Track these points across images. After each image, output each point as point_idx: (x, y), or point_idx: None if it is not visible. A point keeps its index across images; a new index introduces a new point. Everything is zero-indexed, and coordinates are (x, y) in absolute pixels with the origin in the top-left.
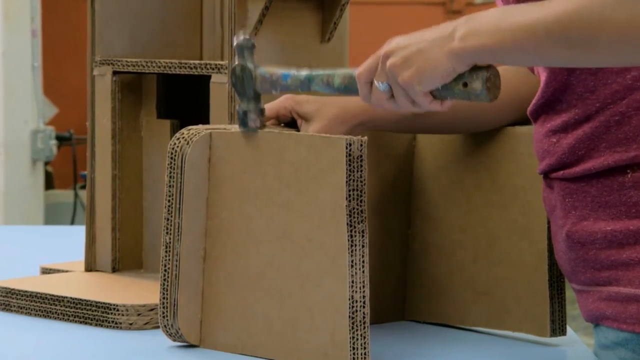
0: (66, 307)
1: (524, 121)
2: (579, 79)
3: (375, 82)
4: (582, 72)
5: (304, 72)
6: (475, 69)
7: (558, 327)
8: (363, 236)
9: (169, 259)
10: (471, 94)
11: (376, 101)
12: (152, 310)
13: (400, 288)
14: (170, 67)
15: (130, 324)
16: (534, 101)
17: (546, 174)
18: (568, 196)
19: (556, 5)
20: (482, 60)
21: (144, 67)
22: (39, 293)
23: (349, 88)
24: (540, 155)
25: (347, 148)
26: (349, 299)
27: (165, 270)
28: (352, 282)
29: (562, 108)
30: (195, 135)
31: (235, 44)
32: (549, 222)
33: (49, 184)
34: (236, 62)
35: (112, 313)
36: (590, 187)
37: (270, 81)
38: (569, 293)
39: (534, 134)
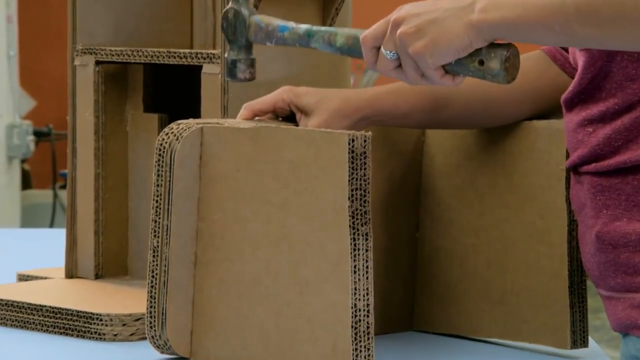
0: (45, 317)
1: (542, 115)
2: (620, 66)
3: (383, 49)
4: (623, 59)
5: (303, 26)
6: (494, 46)
7: (579, 339)
8: (367, 240)
9: (157, 265)
10: (487, 73)
11: (381, 69)
12: (138, 320)
13: (408, 296)
14: (158, 57)
15: (115, 335)
16: (569, 88)
17: (576, 168)
18: (599, 194)
19: None
20: (503, 36)
21: (129, 56)
22: (16, 302)
23: (352, 49)
24: (572, 146)
25: (349, 144)
26: (352, 308)
27: (152, 277)
28: (355, 289)
29: (600, 96)
30: (185, 130)
31: None
32: (569, 225)
33: (26, 183)
34: (229, 6)
35: (95, 323)
36: (624, 185)
37: (265, 31)
38: (591, 301)
39: (565, 124)
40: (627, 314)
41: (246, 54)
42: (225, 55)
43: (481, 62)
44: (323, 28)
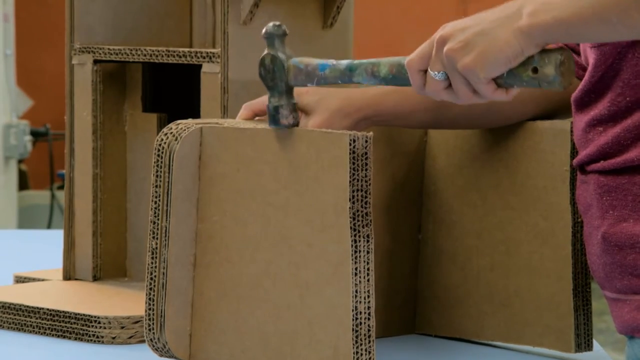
0: (42, 320)
1: (546, 116)
2: (630, 64)
3: (430, 71)
4: (634, 57)
5: (344, 62)
6: (546, 51)
7: (583, 342)
8: (368, 241)
9: (156, 267)
10: (542, 80)
11: (432, 92)
12: (136, 322)
13: (410, 298)
14: (156, 56)
15: (113, 337)
16: (579, 87)
17: (582, 167)
18: (606, 194)
19: None
20: (556, 38)
21: (128, 55)
22: (13, 304)
23: (397, 78)
24: (581, 145)
25: (350, 144)
26: (353, 310)
27: (151, 279)
28: (356, 291)
29: (609, 95)
30: (185, 130)
31: (264, 32)
32: (573, 227)
33: (23, 184)
34: (265, 52)
35: (93, 326)
36: (631, 185)
37: (305, 72)
38: (596, 304)
39: (575, 123)
40: (633, 317)
41: (287, 99)
42: (267, 103)
43: (535, 70)
44: (365, 61)
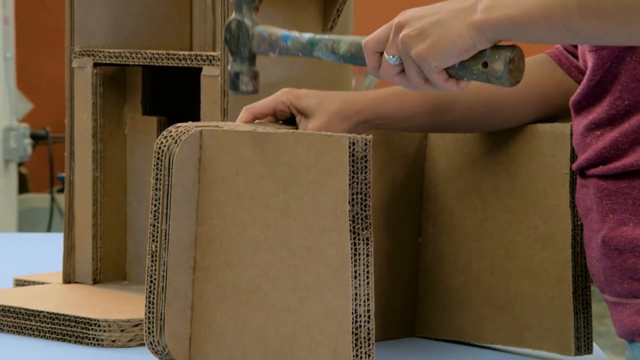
0: (42, 323)
1: (546, 120)
2: (628, 67)
3: (385, 54)
4: (632, 60)
5: (306, 35)
6: (498, 47)
7: (583, 345)
8: (367, 244)
9: (155, 270)
10: (491, 75)
11: (385, 75)
12: (136, 325)
13: (410, 301)
14: (156, 59)
15: (113, 340)
16: (578, 90)
17: (582, 171)
18: (606, 198)
19: None
20: (507, 36)
21: (128, 58)
22: (12, 307)
23: (355, 57)
24: (580, 149)
25: (350, 147)
26: (352, 313)
27: (151, 282)
28: (356, 294)
29: (608, 99)
30: (184, 133)
31: None
32: (573, 230)
33: (23, 187)
34: (232, 17)
35: (92, 329)
36: (631, 189)
37: (268, 41)
38: (596, 307)
39: (574, 127)
40: (633, 320)
41: (249, 66)
42: (228, 67)
43: (485, 65)
44: (326, 36)
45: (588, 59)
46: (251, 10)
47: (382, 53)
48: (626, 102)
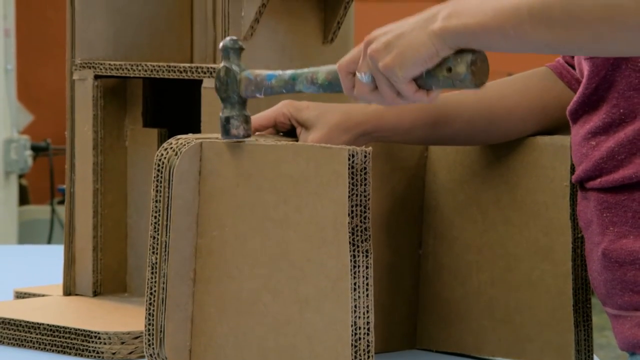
0: (42, 335)
1: (547, 132)
2: (623, 75)
3: (357, 73)
4: (627, 68)
5: (289, 72)
6: (461, 52)
7: (584, 357)
8: (367, 256)
9: (156, 282)
10: (455, 78)
11: (359, 94)
12: (136, 338)
13: (411, 313)
14: (157, 71)
15: (113, 353)
16: (574, 99)
17: (582, 184)
18: (606, 210)
19: None
20: (465, 43)
21: (128, 70)
22: (13, 319)
23: (333, 84)
24: (577, 160)
25: (349, 159)
26: (352, 326)
27: (151, 294)
28: (355, 306)
29: (604, 107)
30: (185, 145)
31: (220, 45)
32: (574, 242)
33: (24, 198)
34: (221, 65)
35: (93, 341)
36: (631, 202)
37: (254, 83)
38: (597, 319)
39: (572, 137)
40: (634, 333)
41: (239, 110)
42: (220, 114)
43: (449, 70)
44: (306, 69)
45: (584, 67)
46: (238, 57)
47: (354, 74)
48: (622, 111)
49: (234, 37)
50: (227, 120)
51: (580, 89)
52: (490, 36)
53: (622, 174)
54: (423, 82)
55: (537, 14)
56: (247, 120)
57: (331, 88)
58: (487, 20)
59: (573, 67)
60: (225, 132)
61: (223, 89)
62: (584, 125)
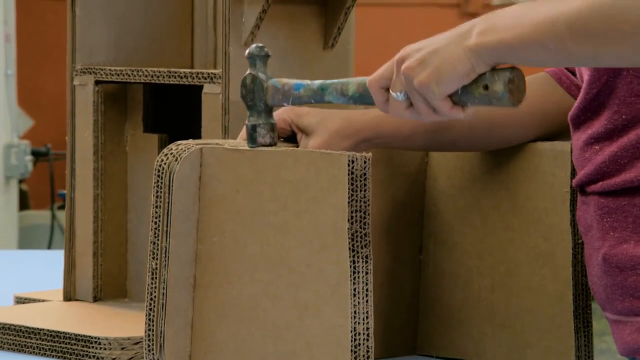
0: (43, 341)
1: (546, 138)
2: (625, 81)
3: (392, 92)
4: (628, 74)
5: (317, 82)
6: (497, 70)
7: None
8: (367, 262)
9: (156, 287)
10: (492, 97)
11: (394, 112)
12: (137, 343)
13: (411, 319)
14: (158, 77)
15: (114, 358)
16: (575, 105)
17: (582, 188)
18: (606, 215)
19: None
20: (502, 59)
21: (129, 76)
22: (13, 325)
23: (364, 96)
24: (579, 165)
25: (349, 165)
26: (351, 331)
27: (151, 300)
28: (355, 312)
29: (605, 113)
30: (185, 151)
31: (247, 53)
32: (574, 248)
33: (24, 204)
34: (247, 72)
35: (93, 347)
36: (631, 207)
37: (282, 92)
38: (597, 324)
39: (573, 143)
40: (634, 338)
41: (266, 119)
42: (246, 121)
43: (485, 87)
44: (336, 80)
45: (584, 73)
46: (265, 65)
47: (387, 89)
48: (624, 117)
49: (260, 45)
50: (253, 128)
51: (581, 95)
52: (529, 51)
53: (624, 177)
54: (458, 98)
55: (575, 27)
56: (272, 128)
57: (362, 100)
58: (524, 35)
59: (572, 72)
60: (252, 140)
61: (250, 97)
62: (586, 131)
